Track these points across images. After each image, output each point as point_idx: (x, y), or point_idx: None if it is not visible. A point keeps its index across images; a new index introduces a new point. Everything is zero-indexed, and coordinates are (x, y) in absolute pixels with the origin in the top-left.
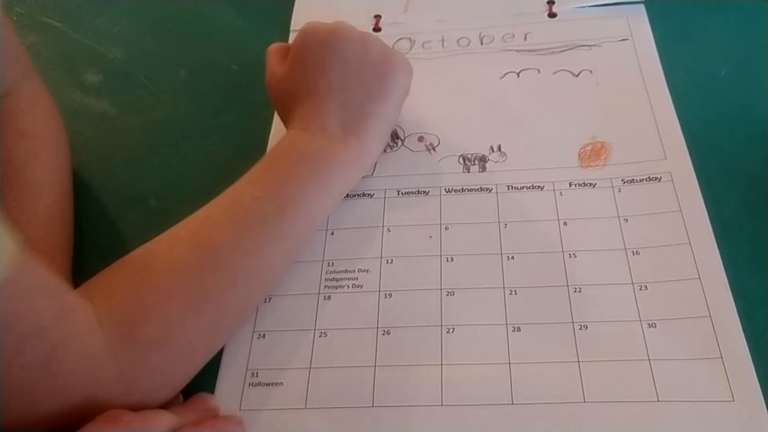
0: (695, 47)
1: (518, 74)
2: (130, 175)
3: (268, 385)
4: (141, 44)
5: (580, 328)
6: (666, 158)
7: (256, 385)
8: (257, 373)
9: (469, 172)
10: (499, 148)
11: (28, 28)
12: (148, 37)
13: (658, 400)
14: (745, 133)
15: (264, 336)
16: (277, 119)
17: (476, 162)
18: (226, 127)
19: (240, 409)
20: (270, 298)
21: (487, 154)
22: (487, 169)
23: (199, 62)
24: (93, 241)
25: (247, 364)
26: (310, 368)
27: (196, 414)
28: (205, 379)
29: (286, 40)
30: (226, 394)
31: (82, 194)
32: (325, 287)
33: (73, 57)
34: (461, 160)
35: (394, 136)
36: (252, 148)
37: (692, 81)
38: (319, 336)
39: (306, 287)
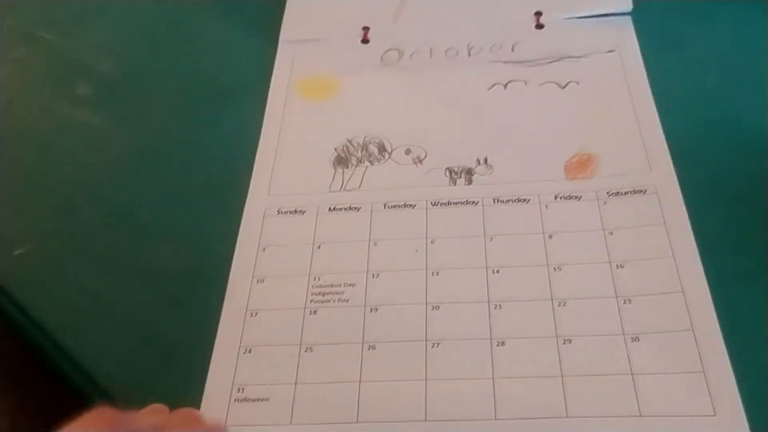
0: (682, 59)
1: (505, 86)
2: (119, 187)
3: (254, 401)
4: (131, 57)
5: (564, 343)
6: (651, 171)
7: (242, 401)
8: (243, 388)
9: (455, 184)
10: (486, 161)
11: (18, 40)
12: (137, 50)
13: (640, 415)
14: (730, 146)
15: (250, 351)
16: (266, 130)
17: (462, 175)
18: (215, 139)
19: (225, 425)
20: (256, 313)
21: (473, 166)
22: (473, 182)
23: (188, 74)
24: (82, 255)
25: (233, 380)
26: (296, 384)
27: (181, 419)
28: (191, 394)
29: (275, 50)
30: (212, 409)
31: (71, 207)
32: (311, 302)
33: (63, 70)
34: (448, 173)
35: (381, 149)
36: (242, 160)
37: (678, 92)
38: (305, 351)
39: (292, 301)
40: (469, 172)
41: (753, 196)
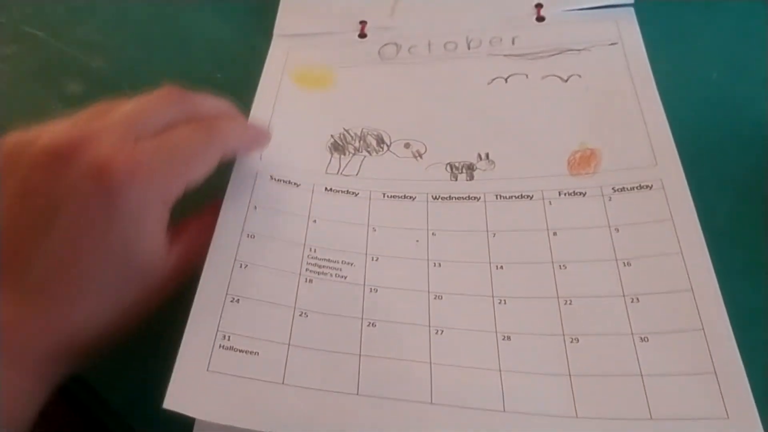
0: (686, 50)
1: (506, 79)
2: None
3: (241, 351)
4: (124, 53)
5: (572, 341)
6: (657, 165)
7: (227, 348)
8: (229, 336)
9: (456, 180)
10: (487, 156)
11: (9, 38)
12: (131, 46)
13: (651, 418)
14: (737, 138)
15: (238, 301)
16: (255, 110)
17: (464, 170)
18: None
19: (208, 371)
20: (246, 265)
21: (474, 162)
22: (474, 178)
23: (182, 71)
24: None
25: (218, 326)
26: (290, 344)
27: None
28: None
29: (269, 46)
30: (192, 352)
31: None
32: (306, 270)
33: (55, 67)
34: (448, 168)
35: (380, 141)
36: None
37: (683, 85)
38: (299, 315)
39: (285, 265)
40: (471, 168)
41: (762, 190)
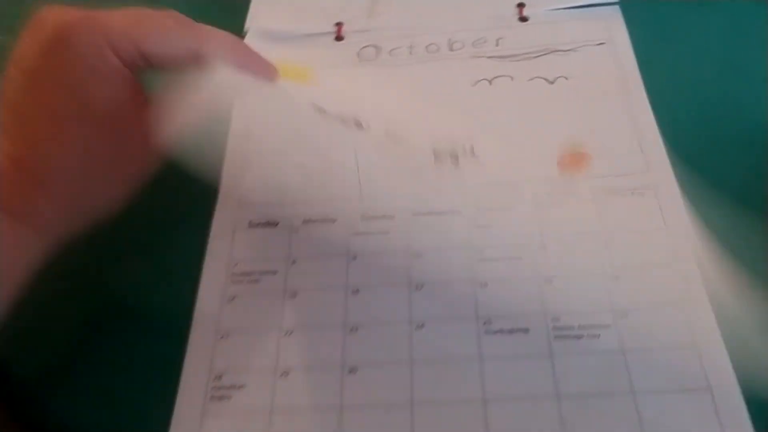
0: (675, 50)
1: (491, 82)
2: None
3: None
4: None
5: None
6: (649, 171)
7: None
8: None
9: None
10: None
11: None
12: None
13: None
14: (731, 141)
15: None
16: (235, 120)
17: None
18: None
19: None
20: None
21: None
22: (459, 165)
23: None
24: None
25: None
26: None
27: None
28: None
29: None
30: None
31: None
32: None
33: None
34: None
35: None
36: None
37: (673, 87)
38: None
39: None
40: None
41: (760, 195)
